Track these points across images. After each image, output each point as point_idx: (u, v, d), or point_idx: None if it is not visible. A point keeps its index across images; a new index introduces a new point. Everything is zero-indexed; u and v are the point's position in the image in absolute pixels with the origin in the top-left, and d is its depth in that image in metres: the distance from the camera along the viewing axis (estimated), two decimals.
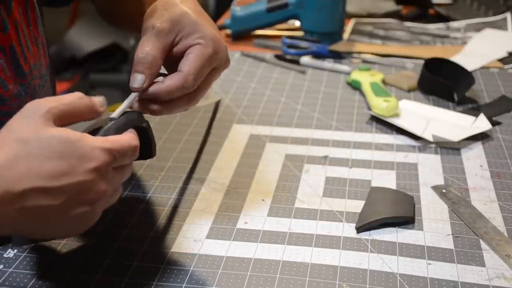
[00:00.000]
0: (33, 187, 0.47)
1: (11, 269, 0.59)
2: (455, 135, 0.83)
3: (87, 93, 0.56)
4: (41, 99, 0.52)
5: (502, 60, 1.14)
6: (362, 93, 0.99)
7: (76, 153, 0.49)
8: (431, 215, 0.68)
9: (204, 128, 0.88)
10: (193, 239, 0.64)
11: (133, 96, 0.59)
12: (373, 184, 0.74)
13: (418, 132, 0.84)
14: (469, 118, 0.88)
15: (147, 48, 0.59)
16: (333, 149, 0.82)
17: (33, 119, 0.49)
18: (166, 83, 0.59)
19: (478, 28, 1.32)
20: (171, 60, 0.61)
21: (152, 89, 0.59)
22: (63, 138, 0.49)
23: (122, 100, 0.59)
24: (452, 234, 0.65)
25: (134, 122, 0.57)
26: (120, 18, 0.79)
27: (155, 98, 0.59)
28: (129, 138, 0.54)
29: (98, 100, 0.55)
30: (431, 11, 1.45)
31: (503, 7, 1.43)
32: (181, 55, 0.60)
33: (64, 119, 0.51)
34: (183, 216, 0.68)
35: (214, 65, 0.61)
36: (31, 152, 0.48)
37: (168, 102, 0.60)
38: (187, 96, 0.60)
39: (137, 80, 0.58)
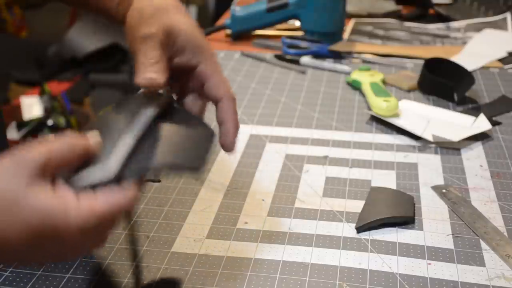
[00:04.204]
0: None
1: (11, 269, 0.59)
2: (455, 135, 0.83)
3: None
4: (33, 149, 0.46)
5: (502, 60, 1.14)
6: (362, 93, 0.99)
7: (53, 232, 0.45)
8: (431, 215, 0.68)
9: None
10: (193, 239, 0.64)
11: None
12: (373, 184, 0.74)
13: (418, 132, 0.84)
14: (469, 118, 0.88)
15: (156, 55, 0.57)
16: (333, 149, 0.82)
17: (19, 179, 0.45)
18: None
19: (478, 28, 1.32)
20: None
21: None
22: (43, 214, 0.45)
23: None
24: (452, 234, 0.65)
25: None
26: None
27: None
28: (124, 197, 0.49)
29: (92, 142, 0.50)
30: (431, 11, 1.45)
31: (503, 7, 1.43)
32: (178, 70, 0.60)
33: (55, 169, 0.47)
34: (183, 216, 0.68)
35: None
36: (6, 220, 0.44)
37: None
38: None
39: (152, 75, 0.56)
